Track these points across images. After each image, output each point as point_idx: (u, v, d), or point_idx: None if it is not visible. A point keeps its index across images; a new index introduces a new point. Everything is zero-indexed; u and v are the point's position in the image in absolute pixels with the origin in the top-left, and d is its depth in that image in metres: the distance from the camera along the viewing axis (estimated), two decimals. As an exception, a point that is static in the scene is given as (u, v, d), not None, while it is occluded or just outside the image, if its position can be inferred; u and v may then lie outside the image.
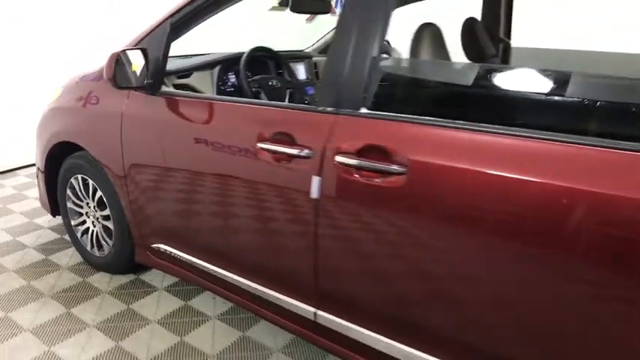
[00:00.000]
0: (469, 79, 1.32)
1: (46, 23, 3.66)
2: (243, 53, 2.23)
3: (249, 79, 2.17)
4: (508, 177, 1.03)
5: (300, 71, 2.64)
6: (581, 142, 0.98)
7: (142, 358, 1.75)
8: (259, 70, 2.30)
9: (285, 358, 1.77)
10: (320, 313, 1.48)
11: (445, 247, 1.15)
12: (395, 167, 1.17)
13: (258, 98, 2.18)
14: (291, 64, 2.55)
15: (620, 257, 0.92)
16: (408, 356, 1.29)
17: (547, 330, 1.06)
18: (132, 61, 1.65)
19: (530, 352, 1.10)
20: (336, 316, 1.44)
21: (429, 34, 1.50)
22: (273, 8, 2.19)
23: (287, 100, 2.29)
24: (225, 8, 1.71)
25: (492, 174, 1.05)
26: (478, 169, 1.07)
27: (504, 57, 2.33)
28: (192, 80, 2.14)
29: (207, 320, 1.98)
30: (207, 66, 2.21)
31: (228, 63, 2.23)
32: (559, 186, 0.97)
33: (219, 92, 2.22)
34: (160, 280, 2.26)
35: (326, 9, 2.19)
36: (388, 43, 3.05)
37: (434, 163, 1.12)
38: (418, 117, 1.18)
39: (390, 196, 1.19)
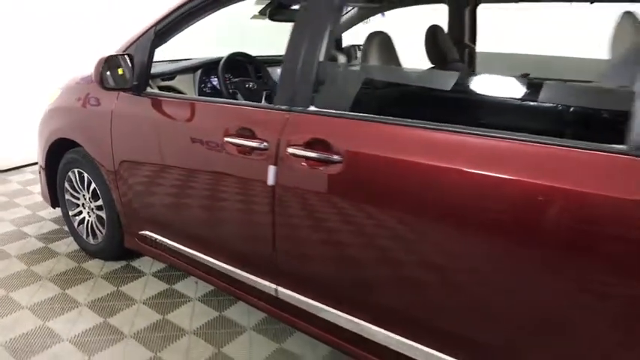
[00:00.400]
0: (404, 81, 1.50)
1: (54, 31, 3.90)
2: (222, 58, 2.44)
3: (228, 82, 2.37)
4: (426, 164, 1.20)
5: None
6: (488, 134, 1.15)
7: (126, 332, 1.95)
8: (240, 73, 2.50)
9: (255, 335, 1.95)
10: (280, 289, 1.66)
11: (375, 224, 1.32)
12: (334, 157, 1.35)
13: (235, 99, 2.37)
14: (271, 68, 2.73)
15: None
16: (359, 327, 1.45)
17: (462, 295, 1.23)
18: (118, 65, 1.85)
19: (450, 313, 1.27)
20: (294, 291, 1.62)
21: (377, 42, 1.68)
22: (254, 17, 2.38)
23: (263, 100, 2.48)
24: (204, 17, 1.91)
25: (412, 161, 1.22)
26: (399, 157, 1.24)
27: (468, 61, 2.50)
28: (176, 82, 2.34)
29: (188, 301, 2.17)
30: (190, 69, 2.41)
31: (208, 67, 2.43)
32: (459, 170, 1.14)
33: (201, 93, 2.42)
34: (148, 266, 2.45)
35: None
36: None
37: (363, 152, 1.30)
38: (353, 113, 1.37)
39: (330, 181, 1.37)
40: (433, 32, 2.26)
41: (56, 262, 2.46)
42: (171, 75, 2.33)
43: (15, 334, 1.90)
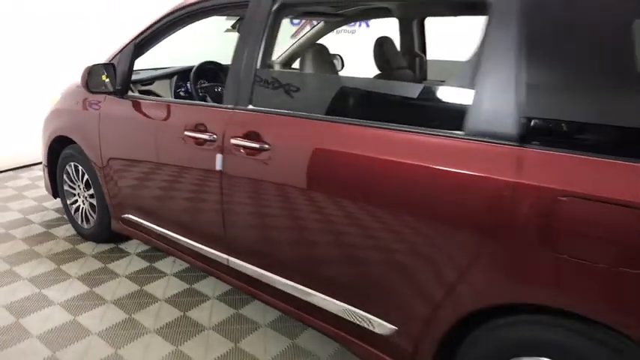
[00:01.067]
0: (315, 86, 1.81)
1: (64, 38, 4.30)
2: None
3: (199, 86, 2.72)
4: (329, 149, 1.52)
5: None
6: (371, 125, 1.46)
7: (108, 299, 2.29)
8: (214, 79, 2.84)
9: (217, 302, 2.28)
10: (230, 258, 1.98)
11: (295, 199, 1.64)
12: (265, 145, 1.67)
13: (205, 101, 2.71)
14: None
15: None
16: (297, 291, 1.74)
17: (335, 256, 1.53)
18: (102, 73, 2.21)
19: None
20: (241, 259, 1.94)
21: (312, 52, 2.00)
22: (227, 30, 2.69)
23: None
24: (176, 31, 2.26)
25: (321, 148, 1.54)
26: (311, 145, 1.56)
27: (416, 68, 2.80)
28: (155, 87, 2.70)
29: (165, 276, 2.51)
30: (167, 76, 2.77)
31: (183, 74, 2.79)
32: (353, 154, 1.46)
33: (176, 97, 2.77)
34: (133, 248, 2.80)
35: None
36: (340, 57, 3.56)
37: (285, 141, 1.62)
38: (279, 110, 1.69)
39: (263, 165, 1.69)
40: (380, 43, 2.58)
41: (54, 244, 2.83)
42: (150, 81, 2.69)
43: (15, 298, 2.26)
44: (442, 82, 1.43)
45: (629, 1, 1.14)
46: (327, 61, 2.05)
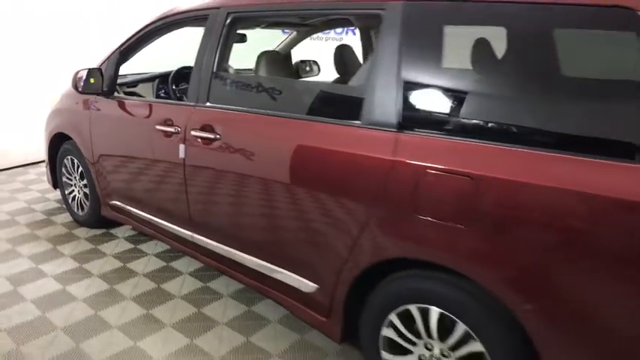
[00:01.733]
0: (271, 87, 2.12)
1: (65, 41, 4.67)
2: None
3: (177, 88, 3.06)
4: (262, 137, 1.84)
5: None
6: (293, 116, 1.77)
7: (95, 273, 2.62)
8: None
9: (189, 277, 2.60)
10: (194, 235, 2.30)
11: (239, 179, 1.95)
12: (217, 135, 2.00)
13: (182, 101, 3.04)
14: None
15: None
16: (255, 264, 2.03)
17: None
18: (90, 76, 2.56)
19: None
20: (202, 235, 2.25)
21: (265, 57, 2.32)
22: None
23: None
24: (154, 41, 2.61)
25: (257, 137, 1.86)
26: (250, 134, 1.88)
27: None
28: (139, 89, 3.06)
29: (146, 255, 2.84)
30: (150, 79, 3.13)
31: (164, 77, 3.13)
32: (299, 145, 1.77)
33: (157, 97, 3.12)
34: (122, 233, 3.14)
35: (243, 40, 3.05)
36: (315, 62, 3.88)
37: (230, 131, 1.94)
38: (228, 106, 2.01)
39: (215, 151, 2.01)
40: (340, 50, 2.89)
41: (53, 229, 3.19)
42: (134, 83, 3.05)
43: (14, 271, 2.61)
44: (350, 82, 1.74)
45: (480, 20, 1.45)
46: (279, 65, 2.37)
